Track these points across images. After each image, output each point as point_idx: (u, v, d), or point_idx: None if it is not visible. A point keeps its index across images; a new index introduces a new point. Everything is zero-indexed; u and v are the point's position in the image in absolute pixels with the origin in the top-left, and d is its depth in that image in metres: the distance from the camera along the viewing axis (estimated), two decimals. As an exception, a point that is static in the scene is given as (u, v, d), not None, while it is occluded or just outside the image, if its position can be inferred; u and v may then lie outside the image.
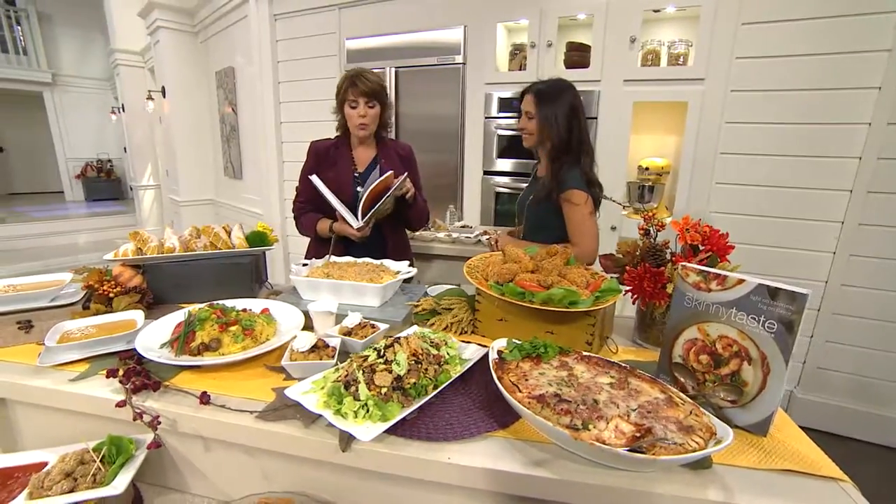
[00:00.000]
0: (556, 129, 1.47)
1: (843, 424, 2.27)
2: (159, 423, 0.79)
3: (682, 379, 0.84)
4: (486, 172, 2.95)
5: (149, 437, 0.83)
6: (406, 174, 1.52)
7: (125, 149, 7.08)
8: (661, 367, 0.88)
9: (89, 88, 9.18)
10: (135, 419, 0.78)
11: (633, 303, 1.08)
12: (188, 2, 4.36)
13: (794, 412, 2.32)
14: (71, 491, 0.74)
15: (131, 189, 6.93)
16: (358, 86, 1.55)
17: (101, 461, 0.79)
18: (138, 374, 0.86)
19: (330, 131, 1.77)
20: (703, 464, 0.66)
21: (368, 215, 1.46)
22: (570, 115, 1.47)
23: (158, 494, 0.91)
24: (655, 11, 2.41)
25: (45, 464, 0.81)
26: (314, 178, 1.51)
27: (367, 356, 0.82)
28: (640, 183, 2.57)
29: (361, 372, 0.77)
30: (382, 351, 0.82)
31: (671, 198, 2.55)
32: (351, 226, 1.50)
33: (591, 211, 1.49)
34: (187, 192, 4.86)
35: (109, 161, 9.65)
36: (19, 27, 8.43)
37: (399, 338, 0.86)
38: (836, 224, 2.16)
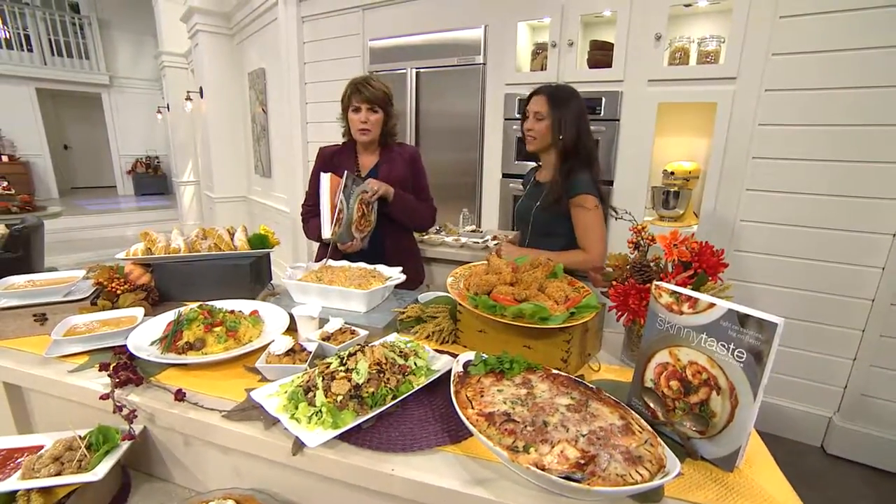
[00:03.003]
0: (568, 131, 1.46)
1: (890, 459, 2.06)
2: (135, 416, 0.85)
3: (651, 405, 0.80)
4: (505, 175, 2.91)
5: (135, 428, 0.89)
6: (351, 174, 1.51)
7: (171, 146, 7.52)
8: (633, 390, 0.85)
9: (141, 89, 9.88)
10: (114, 411, 0.84)
11: (618, 320, 1.04)
12: (225, 6, 4.57)
13: (832, 442, 2.14)
14: (57, 474, 0.81)
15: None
16: (361, 92, 1.59)
17: (88, 448, 0.86)
18: (126, 368, 0.92)
19: None
20: (650, 496, 0.64)
21: (334, 224, 1.45)
22: (579, 119, 1.46)
23: (146, 482, 0.98)
24: (686, 6, 2.29)
25: (42, 447, 0.89)
26: (324, 176, 1.52)
27: (330, 363, 0.83)
28: (665, 188, 2.46)
29: (321, 378, 0.79)
30: (345, 359, 0.83)
31: (701, 204, 2.43)
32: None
33: (601, 216, 1.48)
34: (221, 188, 5.11)
35: (157, 158, 10.34)
36: (82, 32, 9.14)
37: (364, 346, 0.88)
38: (887, 236, 1.96)
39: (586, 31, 2.57)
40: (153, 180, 10.26)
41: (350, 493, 0.78)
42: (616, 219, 1.31)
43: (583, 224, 1.47)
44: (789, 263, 2.15)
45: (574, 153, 1.49)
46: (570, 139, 1.47)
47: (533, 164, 1.92)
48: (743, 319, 0.68)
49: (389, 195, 1.63)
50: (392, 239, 1.74)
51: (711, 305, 0.72)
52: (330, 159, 1.71)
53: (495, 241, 2.22)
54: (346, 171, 1.50)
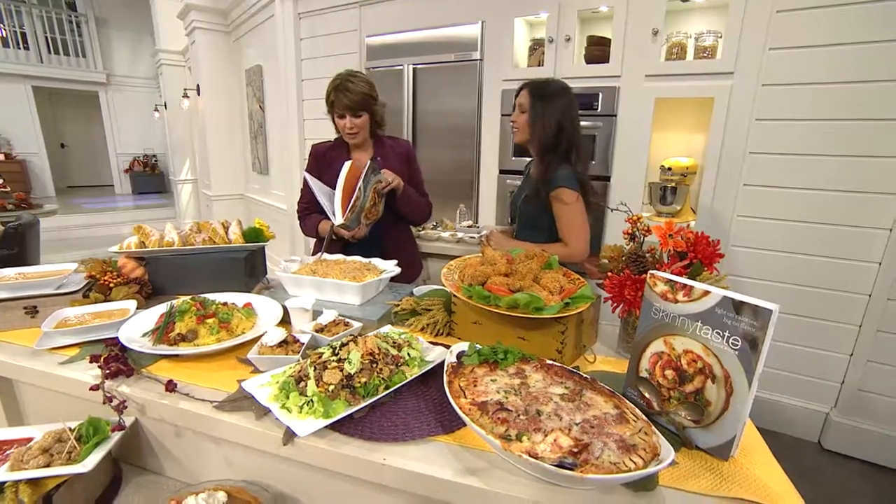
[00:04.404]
0: (544, 126, 1.46)
1: (887, 455, 2.06)
2: (125, 407, 0.84)
3: (647, 395, 0.80)
4: (501, 171, 2.91)
5: (126, 420, 0.88)
6: (374, 162, 1.50)
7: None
8: (629, 380, 0.84)
9: (138, 87, 9.86)
10: (104, 402, 0.83)
11: (613, 311, 1.03)
12: (222, 2, 4.55)
13: (829, 437, 2.14)
14: (46, 466, 0.80)
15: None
16: (341, 99, 1.56)
17: (78, 440, 0.85)
18: (117, 360, 0.91)
19: None
20: (645, 485, 0.63)
21: (348, 211, 1.45)
22: (561, 115, 1.46)
23: (138, 475, 0.97)
24: (683, 1, 2.29)
25: (32, 439, 0.88)
26: (307, 176, 1.54)
27: (323, 353, 0.83)
28: (663, 184, 2.45)
29: (313, 368, 0.79)
30: (337, 349, 0.83)
31: (698, 200, 2.42)
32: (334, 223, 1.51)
33: (582, 210, 1.47)
34: (218, 186, 5.09)
35: (154, 156, 10.31)
36: (78, 30, 9.10)
37: (356, 336, 0.87)
38: (884, 231, 1.96)
39: (583, 27, 2.57)
40: (151, 179, 10.23)
41: (341, 483, 0.77)
42: (611, 210, 1.31)
43: (562, 218, 1.47)
44: (786, 259, 2.15)
45: (554, 147, 1.49)
46: (548, 132, 1.47)
47: (529, 158, 1.92)
48: (738, 306, 0.67)
49: (400, 188, 1.63)
50: (392, 232, 1.74)
51: (706, 293, 0.71)
52: (323, 156, 1.71)
53: (483, 233, 2.19)
54: (369, 160, 1.49)
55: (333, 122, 1.66)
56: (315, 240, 1.83)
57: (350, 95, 1.54)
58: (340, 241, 1.66)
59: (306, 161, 1.78)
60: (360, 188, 1.45)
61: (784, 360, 2.22)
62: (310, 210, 1.76)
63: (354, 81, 1.57)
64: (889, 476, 2.01)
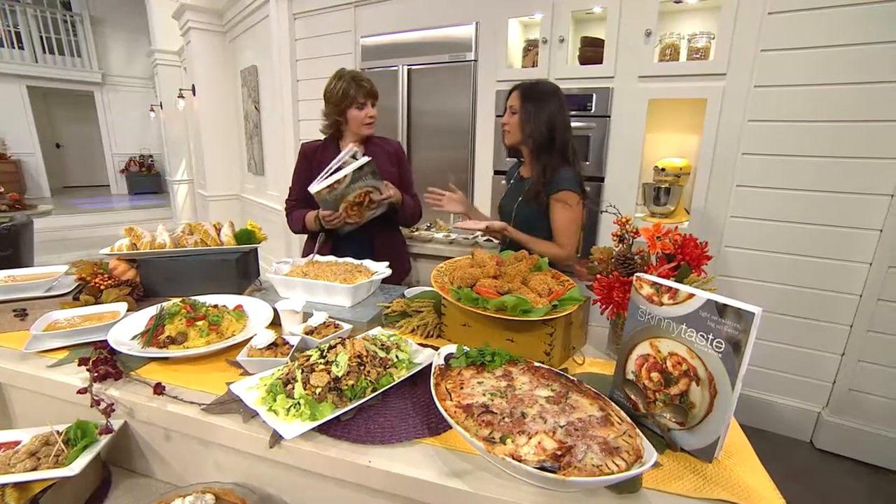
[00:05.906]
0: (537, 125, 1.46)
1: (878, 454, 2.07)
2: (113, 410, 0.84)
3: (633, 397, 0.80)
4: (496, 172, 2.91)
5: (115, 423, 0.88)
6: (372, 162, 1.48)
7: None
8: (616, 383, 0.85)
9: (134, 87, 9.80)
10: (92, 405, 0.83)
11: (602, 313, 1.04)
12: (217, 2, 4.54)
13: (821, 436, 2.15)
14: (33, 470, 0.80)
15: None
16: (363, 87, 1.58)
17: (66, 443, 0.85)
18: (105, 362, 0.91)
19: None
20: (628, 487, 0.63)
21: (325, 189, 1.44)
22: (552, 115, 1.46)
23: (127, 478, 0.97)
24: (676, 2, 2.30)
25: (19, 442, 0.88)
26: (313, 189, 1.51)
27: (310, 355, 0.83)
28: (656, 185, 2.46)
29: (300, 371, 0.79)
30: (325, 351, 0.83)
31: (691, 200, 2.43)
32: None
33: (581, 213, 1.49)
34: (214, 186, 5.07)
35: (150, 156, 10.26)
36: (74, 30, 9.06)
37: (344, 339, 0.87)
38: (874, 232, 1.97)
39: (577, 28, 2.57)
40: (147, 179, 10.17)
41: (328, 485, 0.77)
42: (601, 212, 1.32)
43: (562, 220, 1.48)
44: (779, 259, 2.16)
45: (547, 148, 1.49)
46: (540, 133, 1.48)
47: (514, 160, 1.92)
48: (721, 309, 0.68)
49: (399, 202, 1.65)
50: (381, 237, 1.74)
51: (691, 296, 0.72)
52: (313, 154, 1.71)
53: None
54: (371, 158, 1.47)
55: (343, 117, 1.63)
56: (306, 239, 1.84)
57: (369, 83, 1.58)
58: (331, 240, 1.67)
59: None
60: (345, 175, 1.42)
61: (776, 359, 2.23)
62: (297, 206, 1.77)
63: (363, 74, 1.61)
64: (881, 475, 2.02)
